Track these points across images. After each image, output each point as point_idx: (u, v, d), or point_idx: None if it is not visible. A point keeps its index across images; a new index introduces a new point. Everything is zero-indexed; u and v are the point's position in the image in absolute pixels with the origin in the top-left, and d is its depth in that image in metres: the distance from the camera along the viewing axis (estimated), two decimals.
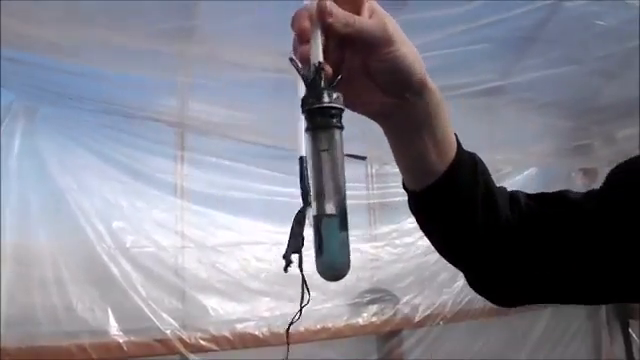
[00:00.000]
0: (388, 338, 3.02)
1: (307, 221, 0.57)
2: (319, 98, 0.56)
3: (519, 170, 3.50)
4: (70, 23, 2.29)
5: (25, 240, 2.32)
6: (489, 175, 0.74)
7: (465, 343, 3.25)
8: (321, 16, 0.58)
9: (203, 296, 2.52)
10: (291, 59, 0.61)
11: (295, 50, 0.61)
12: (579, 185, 3.62)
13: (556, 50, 2.82)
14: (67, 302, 2.30)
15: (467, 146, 0.71)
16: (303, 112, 0.57)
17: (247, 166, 2.70)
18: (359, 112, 0.67)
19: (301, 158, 0.61)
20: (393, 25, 0.63)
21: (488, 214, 0.72)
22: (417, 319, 3.00)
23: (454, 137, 0.71)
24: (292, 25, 0.60)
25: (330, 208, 0.55)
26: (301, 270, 0.58)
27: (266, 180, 2.71)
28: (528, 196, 0.78)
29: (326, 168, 0.56)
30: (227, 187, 2.64)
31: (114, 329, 2.32)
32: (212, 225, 2.60)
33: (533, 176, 3.55)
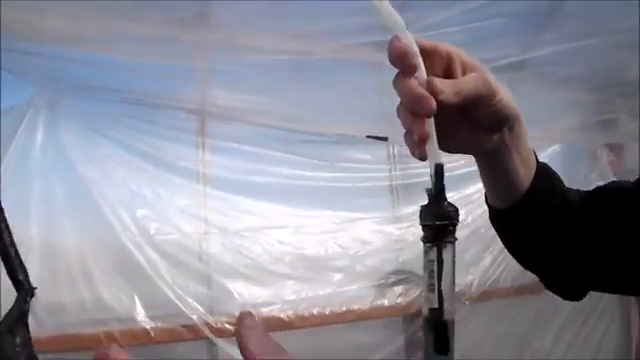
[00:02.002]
0: (414, 319, 3.00)
1: None
2: (446, 215, 0.58)
3: (543, 147, 3.45)
4: (88, 15, 2.30)
5: (51, 231, 2.35)
6: (558, 175, 0.81)
7: (491, 323, 3.23)
8: (434, 97, 0.58)
9: (228, 281, 2.54)
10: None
11: (411, 148, 0.61)
12: (605, 162, 3.56)
13: (576, 23, 2.77)
14: (94, 291, 2.34)
15: None
16: (428, 226, 0.58)
17: (268, 150, 2.70)
18: (455, 152, 0.70)
19: None
20: (488, 73, 0.65)
21: (564, 215, 0.78)
22: None
23: (532, 151, 0.77)
24: (419, 110, 0.58)
25: (450, 313, 0.57)
26: None
27: (287, 164, 2.72)
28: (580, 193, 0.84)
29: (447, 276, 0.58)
30: (248, 172, 2.65)
31: (141, 316, 2.35)
32: (235, 210, 2.61)
33: (557, 153, 3.50)
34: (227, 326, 2.45)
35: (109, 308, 2.33)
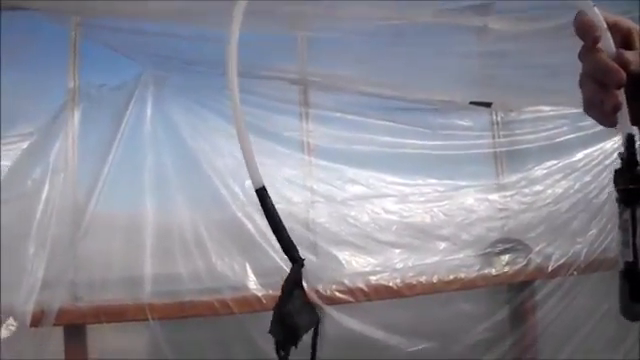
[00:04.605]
0: (519, 290, 2.94)
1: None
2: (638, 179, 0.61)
3: None
4: None
5: (164, 203, 2.43)
6: None
7: (599, 295, 3.11)
8: (624, 68, 0.60)
9: (336, 249, 2.55)
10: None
11: (599, 117, 0.64)
12: None
13: None
14: (207, 260, 2.40)
15: None
16: (621, 190, 0.62)
17: (370, 119, 2.70)
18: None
19: None
20: None
21: None
22: (550, 269, 2.90)
23: None
24: (609, 82, 0.61)
25: None
26: None
27: (389, 132, 2.71)
28: None
29: None
30: (352, 141, 2.66)
31: (253, 283, 2.40)
32: (340, 179, 2.63)
33: None
34: (337, 294, 2.47)
35: (222, 276, 2.39)
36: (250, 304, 2.37)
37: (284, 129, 2.60)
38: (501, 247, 2.87)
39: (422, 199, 2.75)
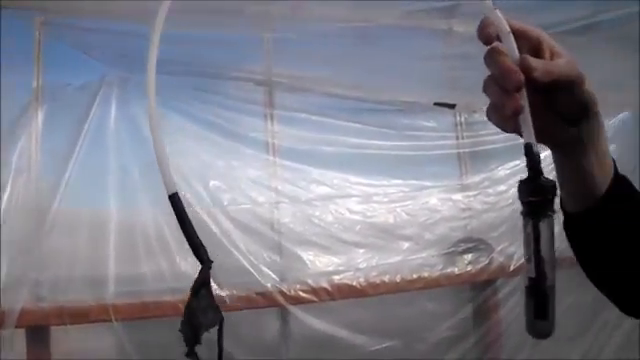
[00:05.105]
0: (482, 288, 2.99)
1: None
2: (540, 190, 0.59)
3: (612, 114, 3.34)
4: None
5: (127, 203, 2.42)
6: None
7: (560, 291, 3.16)
8: (527, 74, 0.59)
9: (300, 249, 2.57)
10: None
11: (499, 122, 0.64)
12: None
13: None
14: (170, 260, 2.39)
15: None
16: (524, 202, 0.60)
17: (335, 120, 2.72)
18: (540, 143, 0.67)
19: None
20: (576, 62, 0.65)
21: None
22: (512, 267, 2.95)
23: (611, 157, 0.73)
24: (507, 84, 0.60)
25: (549, 281, 0.60)
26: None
27: (354, 133, 2.73)
28: None
29: (546, 247, 0.60)
30: (317, 142, 2.68)
31: (216, 284, 2.40)
32: (305, 180, 2.65)
33: (627, 120, 3.38)
34: (300, 293, 2.49)
35: (186, 277, 2.37)
36: None
37: (249, 130, 2.61)
38: (464, 246, 2.92)
39: (386, 199, 2.78)
